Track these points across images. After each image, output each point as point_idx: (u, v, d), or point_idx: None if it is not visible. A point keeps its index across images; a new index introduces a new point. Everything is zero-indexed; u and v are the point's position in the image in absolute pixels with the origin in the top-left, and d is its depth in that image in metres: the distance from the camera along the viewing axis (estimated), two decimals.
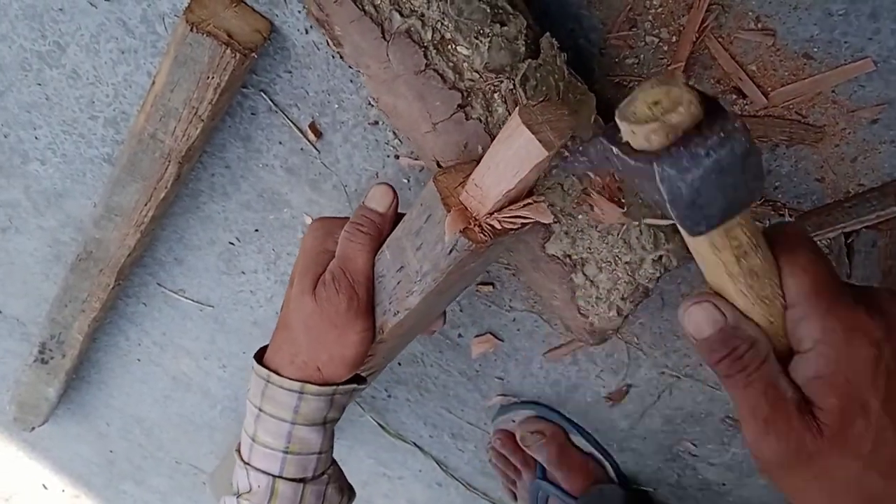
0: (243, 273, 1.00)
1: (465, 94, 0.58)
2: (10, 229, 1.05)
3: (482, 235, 0.54)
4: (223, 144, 0.83)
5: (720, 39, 0.63)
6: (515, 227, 0.55)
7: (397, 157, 0.79)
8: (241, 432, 0.71)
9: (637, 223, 0.65)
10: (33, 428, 1.35)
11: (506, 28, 0.57)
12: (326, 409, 0.67)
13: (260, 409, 0.67)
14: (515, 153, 0.50)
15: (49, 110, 0.87)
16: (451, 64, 0.57)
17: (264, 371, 0.66)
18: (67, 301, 1.03)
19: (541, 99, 0.59)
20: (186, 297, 1.08)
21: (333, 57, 0.72)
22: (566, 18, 0.66)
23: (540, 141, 0.48)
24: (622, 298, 0.68)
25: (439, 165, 0.62)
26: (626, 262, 0.66)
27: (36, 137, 0.91)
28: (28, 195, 0.99)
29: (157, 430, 1.42)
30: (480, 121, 0.59)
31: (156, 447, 1.48)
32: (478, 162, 0.54)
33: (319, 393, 0.66)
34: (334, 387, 0.66)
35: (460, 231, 0.53)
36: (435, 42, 0.57)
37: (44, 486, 1.73)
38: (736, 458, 1.03)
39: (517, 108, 0.49)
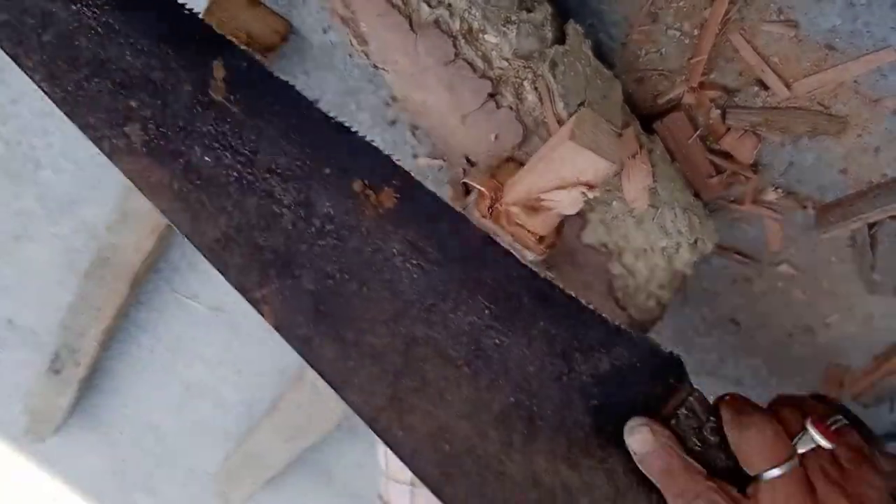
0: None
1: (496, 82, 0.58)
2: (23, 237, 1.04)
3: (487, 209, 0.57)
4: None
5: (742, 32, 0.63)
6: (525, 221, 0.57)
7: (416, 156, 0.79)
8: None
9: (672, 206, 0.65)
10: (45, 439, 1.34)
11: (532, 14, 0.57)
12: None
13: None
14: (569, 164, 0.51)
15: (62, 117, 0.86)
16: (479, 53, 0.57)
17: None
18: (82, 309, 1.03)
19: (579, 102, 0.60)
20: (200, 303, 1.08)
21: (351, 56, 0.72)
22: (586, 14, 0.65)
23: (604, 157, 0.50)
24: (660, 286, 0.68)
25: (468, 161, 0.62)
26: (663, 248, 0.66)
27: (49, 144, 0.91)
28: (42, 203, 0.98)
29: (170, 437, 1.42)
30: (511, 108, 0.59)
31: (169, 455, 1.47)
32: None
33: None
34: None
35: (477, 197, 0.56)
36: (463, 31, 0.57)
37: (54, 497, 1.72)
38: None
39: (574, 117, 0.50)
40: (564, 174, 0.53)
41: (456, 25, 0.57)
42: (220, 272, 0.44)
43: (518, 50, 0.57)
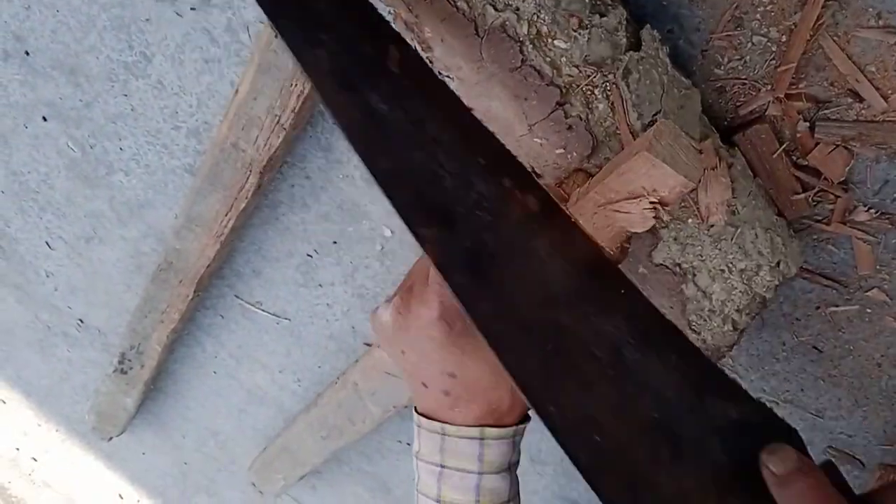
0: (320, 286, 0.99)
1: (564, 90, 0.55)
2: (93, 239, 1.06)
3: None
4: (304, 154, 0.82)
5: (836, 38, 0.58)
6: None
7: None
8: (418, 496, 0.63)
9: (753, 225, 0.61)
10: (111, 438, 1.37)
11: (605, 19, 0.54)
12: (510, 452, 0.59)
13: (442, 466, 0.59)
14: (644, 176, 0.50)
15: (134, 121, 0.88)
16: (548, 59, 0.55)
17: (437, 424, 0.58)
18: (147, 311, 1.04)
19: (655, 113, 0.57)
20: (263, 310, 1.07)
21: None
22: (665, 19, 0.62)
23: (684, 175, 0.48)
24: (738, 310, 0.63)
25: (535, 173, 0.59)
26: (742, 270, 0.62)
27: (121, 148, 0.92)
28: (112, 206, 1.00)
29: (230, 443, 1.42)
30: (581, 118, 0.56)
31: (229, 460, 1.48)
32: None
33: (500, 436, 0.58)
34: (514, 427, 0.58)
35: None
36: (531, 37, 0.54)
37: (120, 496, 1.75)
38: None
39: (654, 127, 0.49)
40: (636, 187, 0.50)
41: (523, 30, 0.54)
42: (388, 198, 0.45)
43: (589, 56, 0.55)
